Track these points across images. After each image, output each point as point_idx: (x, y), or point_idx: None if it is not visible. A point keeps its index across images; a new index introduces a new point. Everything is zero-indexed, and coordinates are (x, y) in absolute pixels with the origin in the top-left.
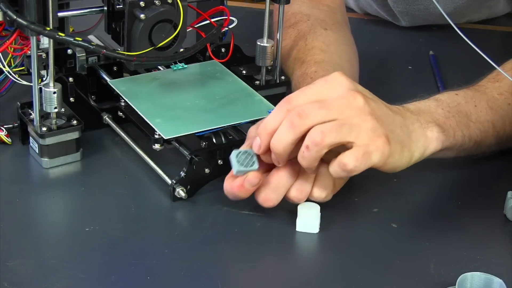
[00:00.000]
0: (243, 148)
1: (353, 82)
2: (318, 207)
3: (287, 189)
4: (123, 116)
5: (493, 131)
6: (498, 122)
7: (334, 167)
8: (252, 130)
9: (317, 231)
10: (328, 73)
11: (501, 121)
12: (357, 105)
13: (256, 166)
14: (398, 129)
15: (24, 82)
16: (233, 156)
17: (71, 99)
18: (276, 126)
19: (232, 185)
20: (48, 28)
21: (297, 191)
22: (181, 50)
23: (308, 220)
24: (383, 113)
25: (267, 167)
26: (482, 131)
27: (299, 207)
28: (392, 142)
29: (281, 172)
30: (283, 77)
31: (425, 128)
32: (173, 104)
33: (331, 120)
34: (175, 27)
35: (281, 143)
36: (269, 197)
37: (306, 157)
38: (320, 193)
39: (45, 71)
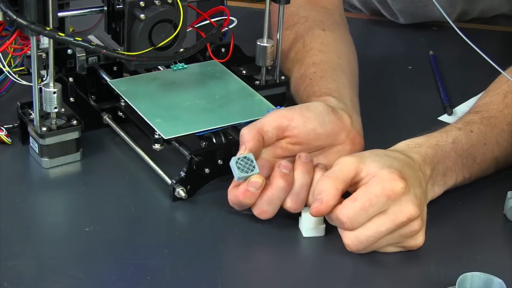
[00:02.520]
0: (240, 153)
1: (407, 178)
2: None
3: (282, 201)
4: (123, 116)
5: (495, 164)
6: (502, 157)
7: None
8: (245, 134)
9: (323, 234)
10: (326, 74)
11: (505, 154)
12: (416, 217)
13: (256, 170)
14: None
15: (24, 82)
16: (233, 163)
17: (71, 99)
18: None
19: (237, 194)
20: (48, 28)
21: (293, 202)
22: (181, 50)
23: (314, 224)
24: (423, 199)
25: (268, 170)
26: (483, 169)
27: (303, 213)
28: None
29: (274, 185)
30: (283, 77)
31: (435, 184)
32: (173, 104)
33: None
34: (175, 27)
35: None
36: (264, 210)
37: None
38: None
39: (45, 71)
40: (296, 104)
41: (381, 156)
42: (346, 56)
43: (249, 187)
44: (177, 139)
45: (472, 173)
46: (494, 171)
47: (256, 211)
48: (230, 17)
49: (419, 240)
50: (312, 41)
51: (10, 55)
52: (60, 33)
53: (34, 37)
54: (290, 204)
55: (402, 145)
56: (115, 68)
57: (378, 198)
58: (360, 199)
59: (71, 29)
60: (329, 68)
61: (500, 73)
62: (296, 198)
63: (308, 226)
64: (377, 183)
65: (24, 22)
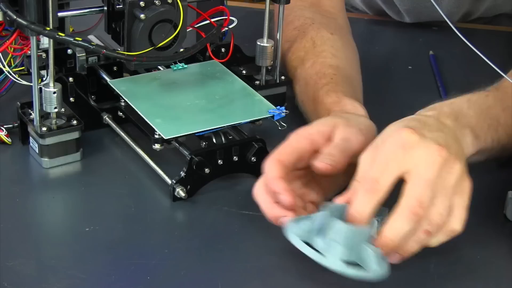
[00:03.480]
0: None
1: (446, 146)
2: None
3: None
4: (123, 116)
5: None
6: None
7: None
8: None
9: None
10: (346, 80)
11: None
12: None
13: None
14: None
15: (24, 82)
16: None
17: (71, 99)
18: (402, 233)
19: (266, 210)
20: (48, 28)
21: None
22: (181, 50)
23: None
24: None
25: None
26: (509, 134)
27: None
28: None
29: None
30: (283, 77)
31: (462, 136)
32: (173, 104)
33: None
34: (175, 27)
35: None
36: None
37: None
38: None
39: (45, 71)
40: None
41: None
42: (355, 64)
43: (280, 220)
44: (177, 139)
45: (500, 136)
46: None
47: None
48: (230, 17)
49: (466, 186)
50: (322, 43)
51: (10, 55)
52: (60, 33)
53: (34, 37)
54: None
55: (415, 115)
56: (115, 68)
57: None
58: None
59: (71, 29)
60: (346, 76)
61: (509, 70)
62: None
63: None
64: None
65: (24, 22)
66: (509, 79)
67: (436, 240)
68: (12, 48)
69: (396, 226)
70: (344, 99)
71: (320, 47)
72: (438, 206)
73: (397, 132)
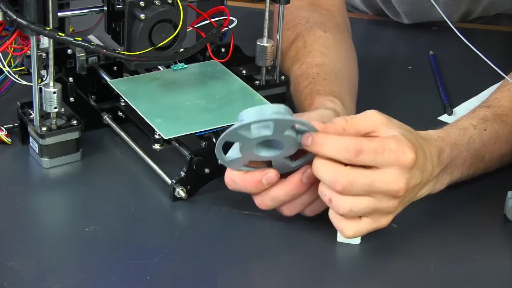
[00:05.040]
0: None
1: (413, 168)
2: None
3: (283, 203)
4: (123, 116)
5: (500, 162)
6: (508, 153)
7: (333, 220)
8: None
9: (359, 242)
10: (329, 77)
11: (511, 152)
12: (395, 196)
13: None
14: (414, 197)
15: (24, 82)
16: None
17: (71, 99)
18: (327, 156)
19: (248, 180)
20: (48, 28)
21: (289, 210)
22: (181, 50)
23: None
24: (412, 190)
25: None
26: (488, 167)
27: None
28: (394, 214)
29: (286, 188)
30: (283, 77)
31: (438, 182)
32: (173, 104)
33: (365, 196)
34: (175, 27)
35: (317, 173)
36: (265, 203)
37: (321, 196)
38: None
39: (45, 71)
40: (294, 102)
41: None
42: (346, 61)
43: (263, 180)
44: (177, 139)
45: (476, 171)
46: (498, 168)
47: (256, 200)
48: (230, 17)
49: (388, 219)
50: (313, 42)
51: (10, 55)
52: (60, 33)
53: (34, 37)
54: (287, 211)
55: (424, 131)
56: (115, 68)
57: (389, 153)
58: (376, 141)
59: (71, 29)
60: (331, 72)
61: (509, 70)
62: (293, 208)
63: None
64: (395, 141)
65: (24, 22)
66: (509, 79)
67: (336, 204)
68: (12, 48)
69: (329, 142)
70: (316, 98)
71: (310, 46)
72: (361, 177)
73: (402, 151)
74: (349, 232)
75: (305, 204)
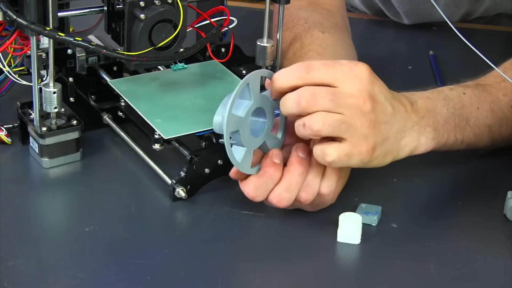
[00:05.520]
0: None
1: (372, 81)
2: (360, 218)
3: (300, 187)
4: (123, 116)
5: (489, 134)
6: (495, 126)
7: (317, 151)
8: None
9: (359, 242)
10: None
11: (499, 124)
12: (363, 109)
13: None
14: (391, 138)
15: (24, 82)
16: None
17: (71, 99)
18: (286, 87)
19: (266, 172)
20: (48, 28)
21: (305, 193)
22: (181, 50)
23: (350, 231)
24: (385, 119)
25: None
26: (477, 134)
27: (340, 218)
28: (376, 151)
29: (293, 171)
30: None
31: (421, 133)
32: (173, 104)
33: (335, 113)
34: (175, 27)
35: (285, 108)
36: (283, 197)
37: (299, 131)
38: (328, 190)
39: (45, 71)
40: None
41: None
42: (344, 58)
43: (273, 159)
44: (177, 139)
45: (465, 136)
46: (490, 144)
47: (274, 199)
48: (230, 17)
49: (369, 146)
50: (310, 42)
51: (10, 55)
52: (60, 33)
53: (34, 37)
54: (304, 194)
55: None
56: (115, 68)
57: (340, 65)
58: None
59: (71, 29)
60: None
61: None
62: (308, 189)
63: (344, 231)
64: (345, 60)
65: (24, 22)
66: (509, 79)
67: (315, 151)
68: (12, 48)
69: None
70: None
71: (308, 47)
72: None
73: (361, 94)
74: (332, 153)
75: (319, 180)
